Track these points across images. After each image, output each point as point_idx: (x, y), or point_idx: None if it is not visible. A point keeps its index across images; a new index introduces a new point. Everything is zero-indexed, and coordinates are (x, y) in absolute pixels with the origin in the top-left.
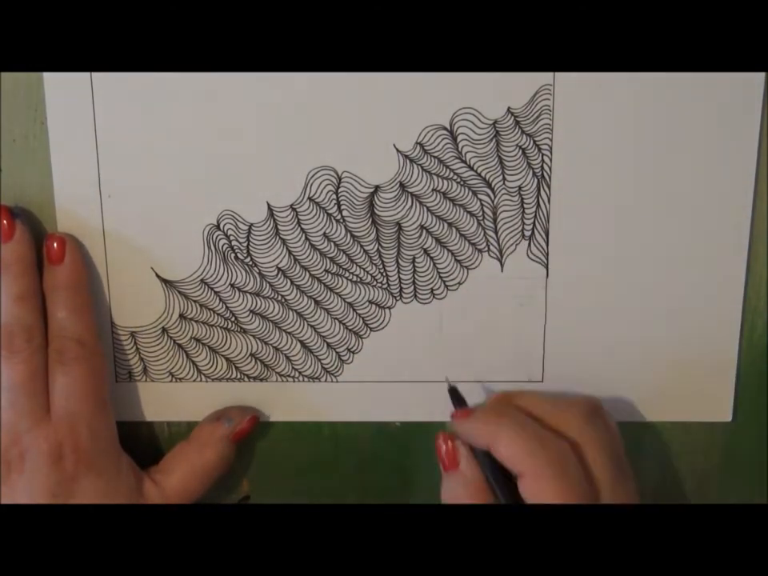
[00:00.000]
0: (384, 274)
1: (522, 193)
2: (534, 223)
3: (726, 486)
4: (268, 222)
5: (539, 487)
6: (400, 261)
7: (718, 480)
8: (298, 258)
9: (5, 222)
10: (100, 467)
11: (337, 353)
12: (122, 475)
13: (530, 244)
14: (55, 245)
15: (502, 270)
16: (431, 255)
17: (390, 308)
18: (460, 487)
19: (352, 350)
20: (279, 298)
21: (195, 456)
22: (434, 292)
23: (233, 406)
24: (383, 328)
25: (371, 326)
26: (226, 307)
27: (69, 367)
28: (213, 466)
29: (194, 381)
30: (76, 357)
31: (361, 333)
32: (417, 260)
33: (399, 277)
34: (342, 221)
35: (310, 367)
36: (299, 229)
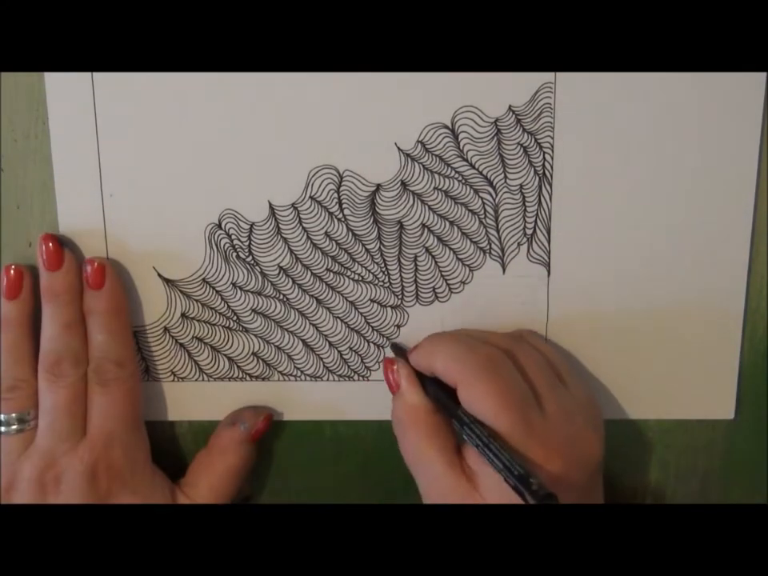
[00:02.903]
0: (386, 272)
1: (523, 191)
2: (535, 221)
3: (727, 485)
4: (269, 221)
5: (473, 391)
6: (402, 259)
7: (719, 478)
8: (299, 256)
9: (54, 251)
10: (134, 485)
11: (338, 351)
12: (157, 492)
13: (531, 242)
14: (95, 270)
15: (503, 272)
16: (433, 254)
17: (392, 307)
18: (400, 409)
19: (354, 348)
20: (281, 296)
21: (218, 463)
22: (438, 295)
23: (245, 407)
24: (384, 327)
25: (372, 324)
26: (228, 306)
27: (108, 388)
28: (237, 469)
29: (196, 380)
30: (115, 378)
31: (362, 332)
32: (418, 259)
33: (401, 275)
34: (343, 219)
35: (311, 366)
36: (301, 228)
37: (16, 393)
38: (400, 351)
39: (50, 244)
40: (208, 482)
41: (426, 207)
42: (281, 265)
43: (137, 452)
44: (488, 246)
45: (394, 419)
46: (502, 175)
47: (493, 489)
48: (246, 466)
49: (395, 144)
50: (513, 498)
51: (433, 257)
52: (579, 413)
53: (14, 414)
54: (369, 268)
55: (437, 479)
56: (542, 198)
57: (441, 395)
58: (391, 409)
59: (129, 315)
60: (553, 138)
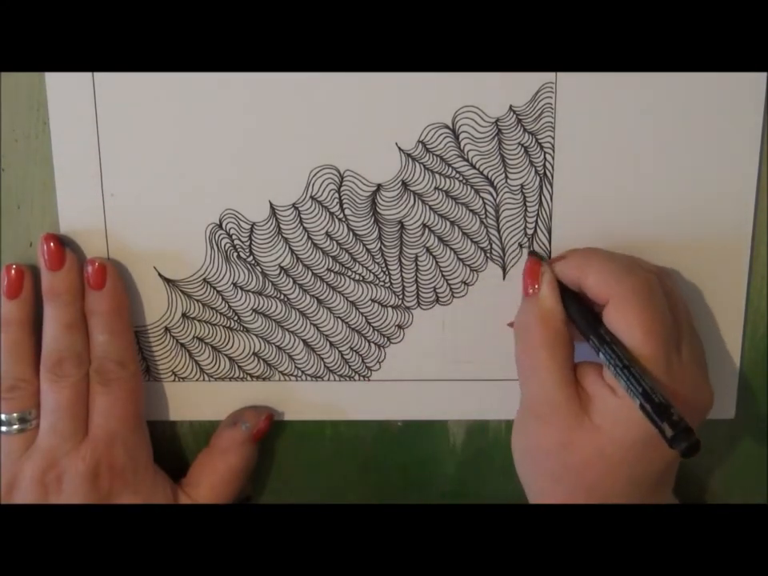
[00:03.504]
0: (387, 272)
1: (524, 191)
2: (536, 222)
3: (727, 484)
4: (270, 221)
5: (624, 313)
6: (402, 259)
7: (719, 478)
8: (300, 256)
9: (55, 251)
10: (136, 485)
11: (339, 351)
12: (159, 492)
13: (532, 243)
14: (96, 270)
15: (504, 272)
16: (434, 254)
17: (393, 307)
18: (531, 312)
19: (355, 348)
20: (282, 296)
21: (220, 463)
22: (439, 296)
23: (246, 407)
24: (385, 328)
25: (373, 324)
26: (229, 306)
27: (109, 388)
28: (239, 470)
29: (197, 380)
30: (117, 378)
31: (363, 332)
32: (419, 258)
33: (402, 276)
34: (344, 219)
35: (312, 366)
36: (301, 228)
37: (17, 393)
38: (540, 258)
39: (52, 244)
40: (209, 482)
41: (427, 207)
42: (281, 265)
43: (139, 452)
44: (489, 247)
45: (519, 323)
46: (503, 175)
47: (607, 414)
48: (248, 466)
49: (396, 144)
50: (629, 428)
51: (434, 257)
52: (703, 365)
53: (15, 414)
54: (369, 268)
55: (548, 392)
56: (542, 198)
57: (581, 309)
58: (518, 311)
59: (130, 315)
60: (554, 138)
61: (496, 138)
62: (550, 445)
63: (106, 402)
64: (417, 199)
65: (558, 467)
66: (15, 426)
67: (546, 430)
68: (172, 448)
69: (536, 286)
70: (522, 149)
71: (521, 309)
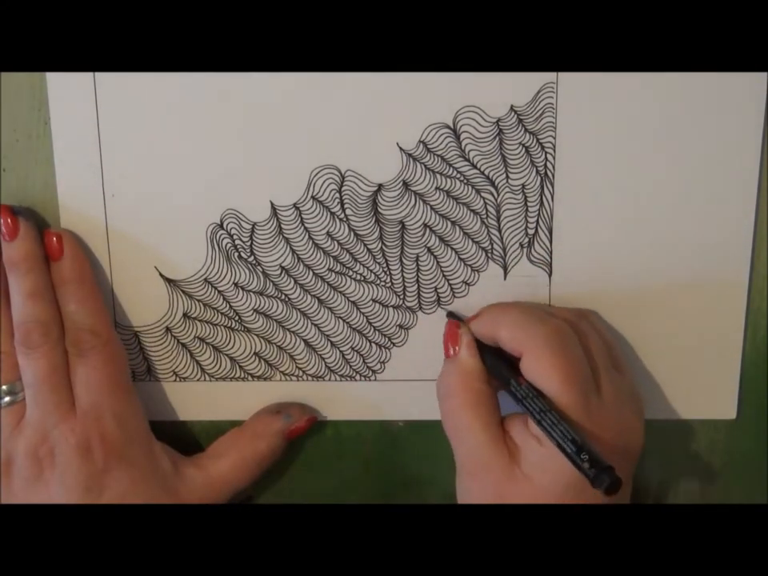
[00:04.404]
0: (388, 272)
1: (525, 191)
2: (537, 222)
3: (728, 485)
4: (271, 221)
5: (538, 362)
6: (403, 259)
7: (720, 478)
8: (301, 256)
9: (8, 220)
10: (131, 456)
11: (340, 351)
12: (156, 462)
13: (532, 243)
14: (54, 240)
15: (505, 272)
16: (435, 254)
17: (394, 307)
18: (454, 374)
19: (356, 349)
20: (283, 296)
21: (247, 445)
22: (440, 296)
23: (294, 402)
24: (386, 328)
25: (374, 324)
26: (230, 306)
27: (86, 358)
28: (262, 458)
29: (198, 380)
30: (92, 347)
31: (364, 332)
32: (420, 259)
33: (403, 276)
34: (345, 219)
35: (313, 366)
36: (302, 228)
37: None
38: (457, 319)
39: (4, 213)
40: (231, 460)
41: (428, 207)
42: (282, 265)
43: (129, 420)
44: (490, 246)
45: (442, 385)
46: (504, 175)
47: (536, 464)
48: (272, 458)
49: (397, 144)
50: (556, 475)
51: (435, 257)
52: (629, 401)
53: (3, 387)
54: (371, 268)
55: (477, 448)
56: (543, 198)
57: (499, 363)
58: (440, 374)
59: (95, 283)
60: (555, 138)
61: (497, 138)
62: (485, 499)
63: (84, 372)
64: (418, 199)
65: None
66: (7, 399)
67: (479, 485)
68: (173, 448)
69: (456, 348)
70: (523, 149)
71: (442, 371)
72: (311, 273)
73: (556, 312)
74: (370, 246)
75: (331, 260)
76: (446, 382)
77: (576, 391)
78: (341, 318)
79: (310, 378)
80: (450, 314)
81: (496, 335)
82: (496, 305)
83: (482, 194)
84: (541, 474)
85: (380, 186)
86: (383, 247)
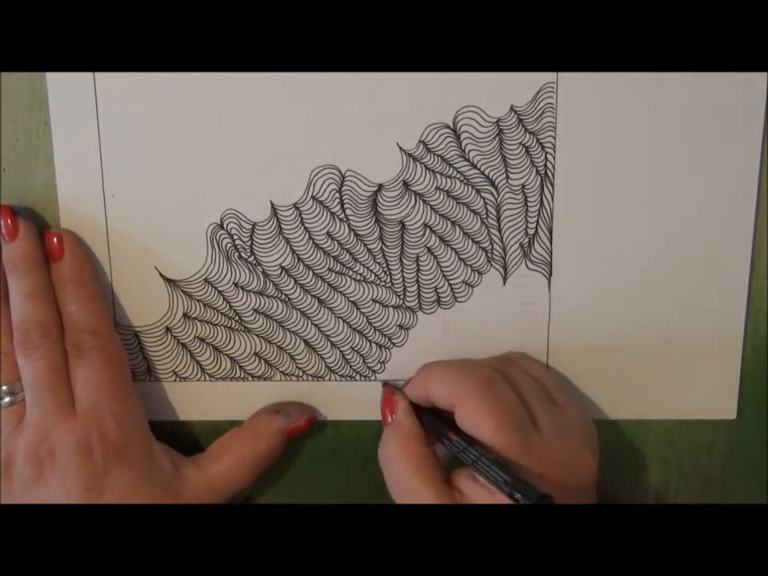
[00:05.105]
0: (388, 272)
1: (525, 191)
2: (537, 222)
3: (729, 485)
4: (271, 221)
5: (471, 412)
6: (404, 259)
7: (721, 478)
8: (301, 256)
9: (8, 221)
10: (131, 456)
11: (340, 351)
12: (156, 462)
13: (533, 243)
14: (54, 241)
15: (505, 273)
16: (435, 254)
17: (394, 307)
18: (393, 440)
19: (356, 349)
20: (283, 296)
21: (246, 445)
22: (440, 297)
23: (293, 402)
24: (387, 328)
25: (374, 324)
26: (230, 306)
27: (86, 359)
28: (262, 458)
29: (198, 380)
30: (91, 348)
31: (364, 332)
32: (420, 259)
33: (403, 276)
34: (345, 219)
35: (313, 366)
36: (302, 228)
37: None
38: (392, 387)
39: (4, 214)
40: (230, 460)
41: (428, 207)
42: (282, 265)
43: (129, 421)
44: (490, 247)
45: (383, 452)
46: (504, 175)
47: None
48: (271, 458)
49: (397, 144)
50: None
51: (435, 257)
52: (573, 432)
53: (3, 387)
54: (371, 268)
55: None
56: (543, 198)
57: (436, 422)
58: (380, 441)
59: (95, 283)
60: (555, 138)
61: (497, 138)
62: None
63: (83, 373)
64: (418, 199)
65: None
66: (7, 399)
67: None
68: (173, 448)
69: (393, 415)
70: (523, 149)
71: (382, 438)
72: (311, 273)
73: (482, 362)
74: (370, 246)
75: (331, 260)
76: (386, 449)
77: (511, 433)
78: (341, 317)
79: (309, 377)
80: (386, 384)
81: (429, 394)
82: (426, 365)
83: (482, 194)
84: None
85: (380, 186)
86: (383, 247)
